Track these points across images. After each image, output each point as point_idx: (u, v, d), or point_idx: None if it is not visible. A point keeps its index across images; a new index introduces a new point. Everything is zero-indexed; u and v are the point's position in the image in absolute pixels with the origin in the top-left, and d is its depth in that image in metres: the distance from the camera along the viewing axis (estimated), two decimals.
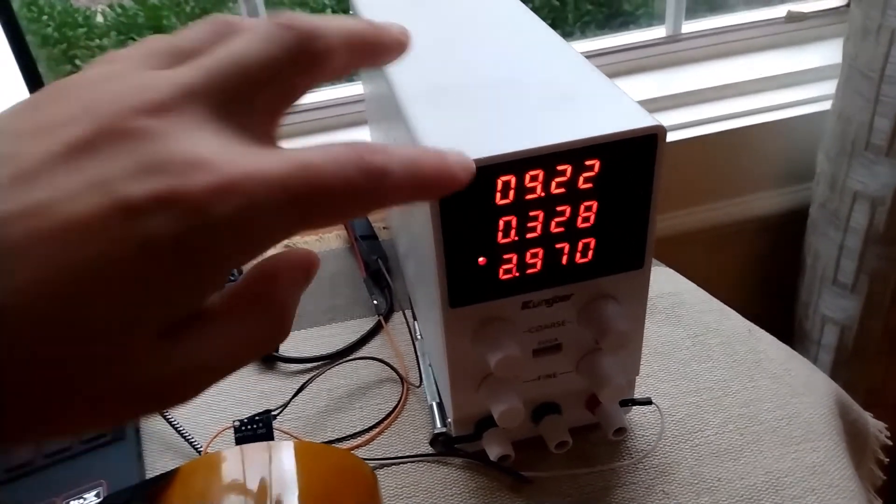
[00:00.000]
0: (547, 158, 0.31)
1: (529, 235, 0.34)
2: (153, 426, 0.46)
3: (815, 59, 0.95)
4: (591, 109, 0.33)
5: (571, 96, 0.35)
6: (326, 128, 0.89)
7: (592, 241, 0.35)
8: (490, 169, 0.31)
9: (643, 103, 0.87)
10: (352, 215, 0.20)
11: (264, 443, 0.34)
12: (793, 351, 0.49)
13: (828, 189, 0.82)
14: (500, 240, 0.33)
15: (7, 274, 0.15)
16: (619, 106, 0.33)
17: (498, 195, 0.32)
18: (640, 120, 0.32)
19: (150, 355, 0.17)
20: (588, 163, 0.32)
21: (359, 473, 0.34)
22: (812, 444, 0.42)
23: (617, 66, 0.96)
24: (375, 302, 0.54)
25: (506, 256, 0.34)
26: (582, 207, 0.33)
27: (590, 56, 0.96)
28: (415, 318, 0.51)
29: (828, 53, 0.95)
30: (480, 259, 0.34)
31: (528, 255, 0.34)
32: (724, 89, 0.92)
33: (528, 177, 0.32)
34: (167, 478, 0.31)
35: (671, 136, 0.87)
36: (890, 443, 0.51)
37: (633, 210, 0.34)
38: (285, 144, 0.19)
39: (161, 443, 0.45)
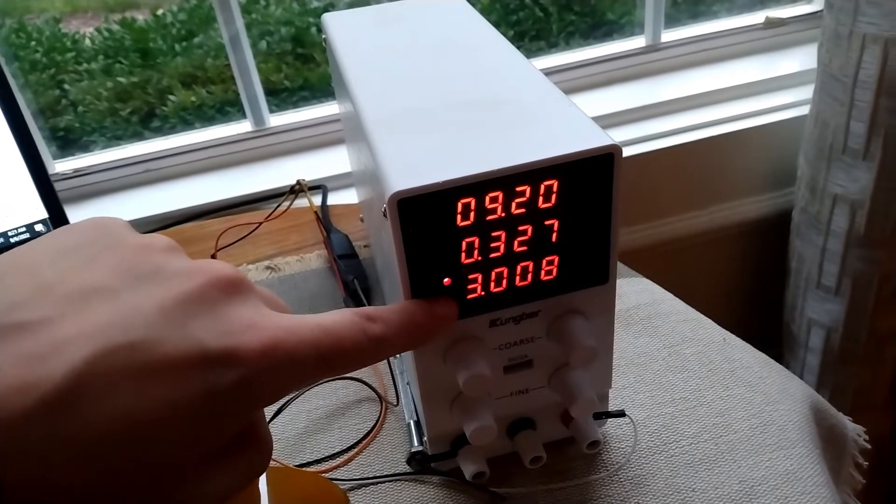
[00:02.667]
0: (505, 180, 0.32)
1: (493, 255, 0.34)
2: None
3: (793, 65, 0.96)
4: (549, 129, 0.34)
5: (529, 116, 0.35)
6: (311, 146, 0.90)
7: (556, 259, 0.35)
8: (450, 192, 0.31)
9: (624, 113, 0.88)
10: (362, 366, 0.26)
11: None
12: (768, 358, 0.50)
13: (808, 193, 0.83)
14: (464, 260, 0.34)
15: (109, 398, 0.18)
16: (576, 125, 0.34)
17: (459, 217, 0.32)
18: (597, 139, 0.32)
19: (194, 475, 0.21)
20: (546, 183, 0.32)
21: (330, 496, 0.34)
22: (785, 451, 0.42)
23: (598, 76, 0.96)
24: None
25: (470, 276, 0.34)
26: (543, 226, 0.34)
27: (571, 68, 0.97)
28: None
29: (806, 58, 0.96)
30: (445, 280, 0.34)
31: (493, 274, 0.35)
32: (704, 97, 0.93)
33: (487, 198, 0.32)
34: None
35: (652, 146, 0.88)
36: (868, 446, 0.51)
37: (595, 227, 0.35)
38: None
39: None
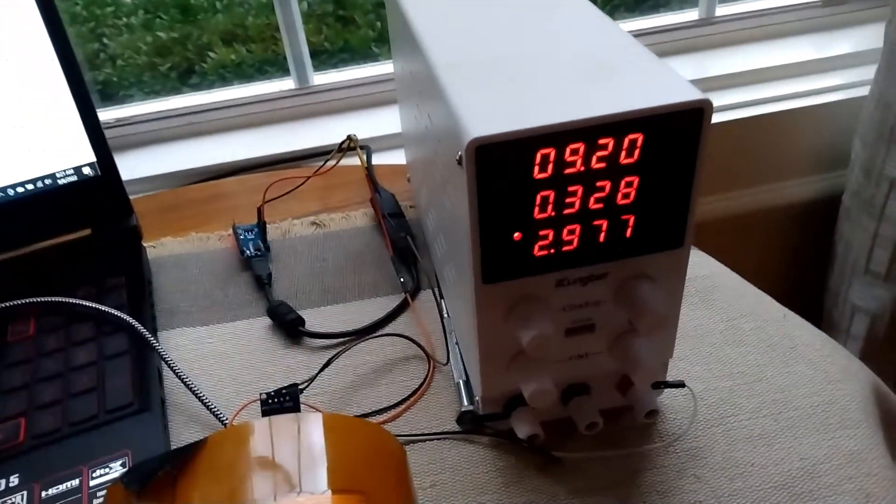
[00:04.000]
0: (589, 131, 0.30)
1: (567, 211, 0.33)
2: (178, 398, 0.46)
3: (852, 44, 0.93)
4: (636, 82, 0.32)
5: (615, 69, 0.34)
6: (354, 107, 0.89)
7: (632, 219, 0.34)
8: (529, 141, 0.30)
9: None
10: None
11: (293, 414, 0.33)
12: (828, 337, 0.48)
13: (862, 176, 0.81)
14: (537, 215, 0.33)
15: None
16: (665, 79, 0.32)
17: (536, 168, 0.31)
18: (687, 93, 0.31)
19: None
20: (631, 137, 0.31)
21: (388, 447, 0.33)
22: (849, 431, 0.41)
23: (650, 48, 0.94)
24: (402, 279, 0.53)
25: (542, 233, 0.33)
26: (623, 183, 0.32)
27: None
28: (442, 297, 0.51)
29: (866, 38, 0.93)
30: (515, 234, 0.33)
31: (565, 231, 0.33)
32: (757, 73, 0.90)
33: (568, 150, 0.31)
34: (195, 448, 0.31)
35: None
36: None
37: (675, 187, 0.33)
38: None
39: (186, 415, 0.45)
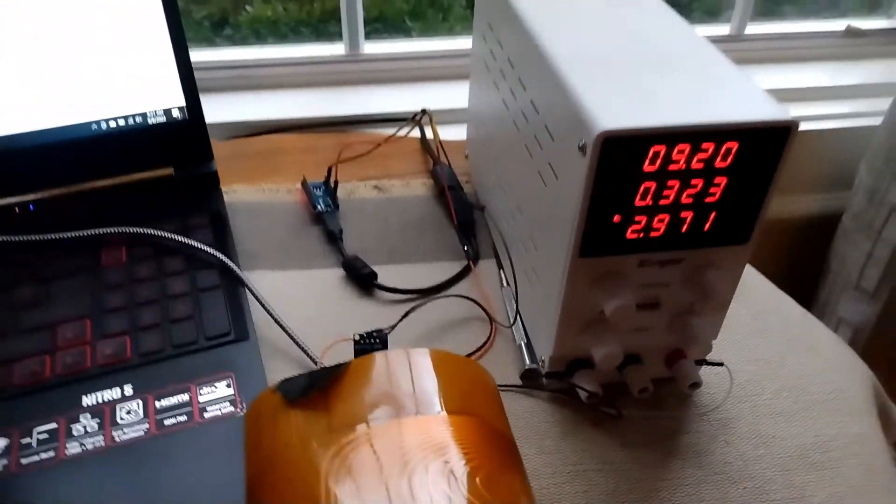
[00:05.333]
0: (695, 135, 0.36)
1: (662, 202, 0.38)
2: (268, 334, 0.51)
3: (867, 76, 1.00)
4: (734, 96, 0.38)
5: (710, 81, 0.39)
6: (404, 79, 0.93)
7: (713, 214, 0.39)
8: (647, 138, 0.36)
9: None
10: None
11: (403, 350, 0.38)
12: (839, 338, 0.55)
13: (865, 201, 0.88)
14: (637, 202, 0.38)
15: None
16: (757, 95, 0.38)
17: (647, 162, 0.37)
18: (779, 112, 0.37)
19: None
20: (728, 144, 0.37)
21: (486, 380, 0.39)
22: (856, 417, 0.48)
23: None
24: (466, 248, 0.59)
25: (637, 218, 0.39)
26: (713, 183, 0.38)
27: None
28: (500, 267, 0.56)
29: (879, 72, 1.00)
30: (616, 217, 0.39)
31: (656, 219, 0.39)
32: (777, 93, 0.97)
33: (676, 149, 0.36)
34: (339, 370, 0.36)
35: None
36: None
37: (754, 190, 0.39)
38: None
39: (276, 349, 0.50)
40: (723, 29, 1.02)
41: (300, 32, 1.08)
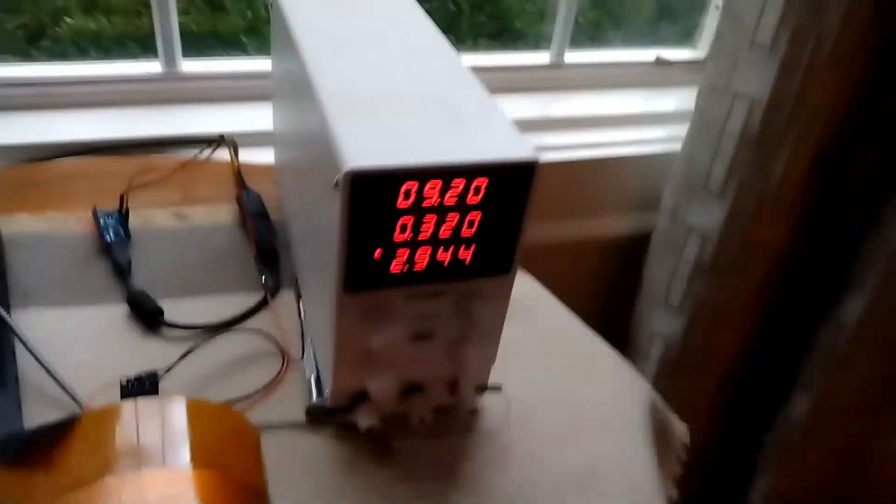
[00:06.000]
0: (446, 172, 0.37)
1: (421, 237, 0.39)
2: (31, 376, 0.48)
3: (674, 103, 1.07)
4: (486, 133, 0.39)
5: (470, 117, 0.41)
6: (223, 98, 0.90)
7: (472, 248, 0.40)
8: (397, 175, 0.36)
9: (522, 123, 0.94)
10: None
11: (156, 397, 0.37)
12: (620, 356, 0.58)
13: (668, 221, 0.94)
14: (397, 237, 0.38)
15: None
16: (510, 133, 0.40)
17: (401, 198, 0.37)
18: (526, 150, 0.38)
19: None
20: (478, 181, 0.38)
21: (246, 432, 0.38)
22: (627, 436, 0.51)
23: (501, 83, 1.03)
24: (264, 278, 0.57)
25: (399, 252, 0.39)
26: (468, 218, 0.39)
27: (477, 70, 1.03)
28: (300, 297, 0.56)
29: (686, 99, 1.07)
30: (377, 253, 0.39)
31: (418, 253, 0.40)
32: (593, 120, 1.02)
33: (428, 186, 0.37)
34: (68, 423, 0.33)
35: (542, 157, 0.96)
36: (688, 442, 0.60)
37: (509, 223, 0.40)
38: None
39: (42, 396, 0.47)
40: (543, 57, 1.06)
41: (126, 46, 1.03)
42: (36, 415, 0.46)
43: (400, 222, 0.38)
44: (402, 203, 0.37)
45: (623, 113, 1.04)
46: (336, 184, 0.36)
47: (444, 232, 0.39)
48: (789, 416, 0.97)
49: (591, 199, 1.03)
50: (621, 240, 1.07)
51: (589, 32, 1.16)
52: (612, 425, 0.51)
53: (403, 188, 0.37)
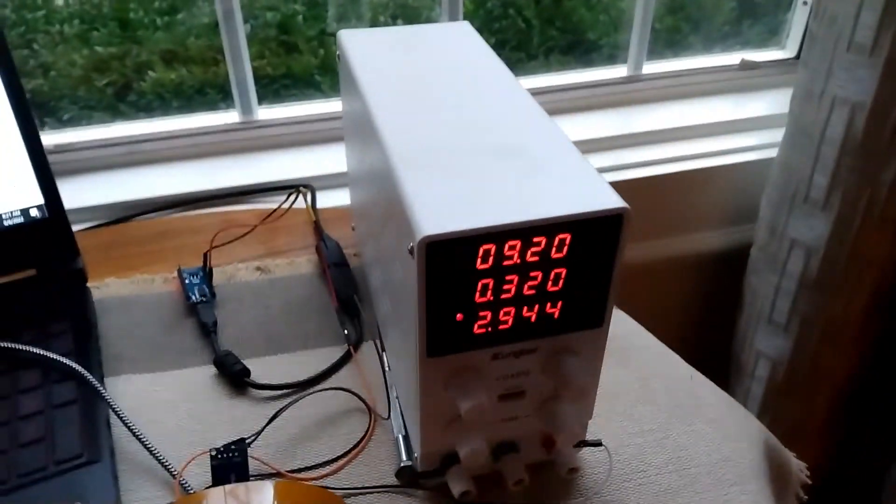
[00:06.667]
0: (524, 231, 0.35)
1: (504, 296, 0.37)
2: (127, 447, 0.48)
3: (764, 107, 1.01)
4: (565, 184, 0.37)
5: (548, 169, 0.38)
6: (300, 142, 0.91)
7: (560, 303, 0.38)
8: (474, 238, 0.34)
9: (601, 141, 0.91)
10: None
11: (244, 484, 0.36)
12: (729, 397, 0.54)
13: (768, 234, 0.88)
14: (478, 299, 0.36)
15: None
16: (591, 183, 0.37)
17: (479, 260, 0.35)
18: (610, 200, 0.35)
19: None
20: (561, 236, 0.35)
21: None
22: (741, 486, 0.47)
23: (579, 101, 1.00)
24: (346, 332, 0.56)
25: (481, 314, 0.37)
26: (552, 274, 0.37)
27: (553, 91, 1.01)
28: (384, 350, 0.54)
29: (775, 102, 1.01)
30: (458, 315, 0.37)
31: (502, 312, 0.37)
32: (678, 131, 0.97)
33: (507, 246, 0.35)
34: None
35: (625, 175, 0.92)
36: (809, 481, 0.55)
37: (598, 277, 0.38)
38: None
39: (135, 465, 0.47)
40: (620, 70, 1.02)
41: (206, 94, 1.06)
42: (132, 486, 0.46)
43: (480, 284, 0.36)
44: (481, 265, 0.35)
45: (710, 121, 0.99)
46: (410, 250, 0.34)
47: (528, 290, 0.37)
48: None
49: (683, 215, 0.99)
50: (718, 255, 1.02)
51: (667, 39, 1.11)
52: (726, 474, 0.47)
53: (481, 250, 0.35)
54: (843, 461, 0.97)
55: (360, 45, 0.54)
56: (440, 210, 0.35)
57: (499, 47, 1.15)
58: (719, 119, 0.99)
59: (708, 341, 1.08)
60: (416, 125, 0.42)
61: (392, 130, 0.41)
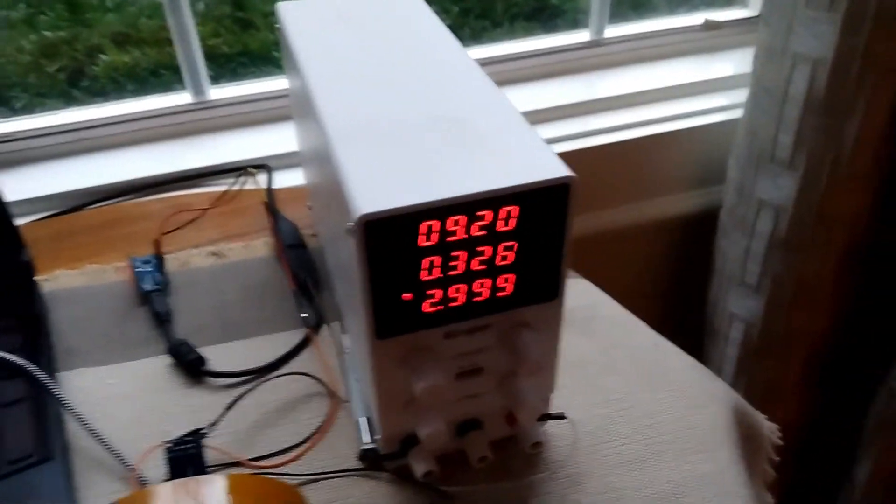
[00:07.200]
0: (468, 206, 0.33)
1: (452, 273, 0.35)
2: (83, 442, 0.46)
3: (728, 67, 1.00)
4: (509, 155, 0.35)
5: (489, 139, 0.37)
6: (254, 121, 0.89)
7: (511, 277, 0.37)
8: (414, 215, 0.33)
9: (563, 108, 0.89)
10: None
11: (195, 478, 0.35)
12: (695, 362, 0.53)
13: (736, 196, 0.88)
14: (424, 277, 0.35)
15: None
16: (535, 152, 0.36)
17: (422, 238, 0.34)
18: (555, 169, 0.34)
19: None
20: (507, 208, 0.34)
21: (287, 499, 0.35)
22: (709, 454, 0.46)
23: (541, 68, 0.98)
24: (304, 315, 0.55)
25: (429, 292, 0.36)
26: (501, 248, 0.35)
27: (515, 59, 0.99)
28: (343, 332, 0.53)
29: (740, 62, 1.00)
30: (405, 295, 0.36)
31: (452, 290, 0.36)
32: (642, 95, 0.96)
33: (450, 221, 0.33)
34: None
35: (589, 142, 0.91)
36: (781, 443, 0.55)
37: (549, 248, 0.36)
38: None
39: (91, 461, 0.46)
40: (583, 35, 1.00)
41: (160, 75, 1.03)
42: (89, 482, 0.45)
43: (425, 262, 0.34)
44: (424, 242, 0.34)
45: (675, 84, 0.98)
46: (349, 230, 0.33)
47: (478, 265, 0.36)
48: (893, 392, 0.89)
49: (650, 179, 0.98)
50: (687, 218, 1.01)
51: (632, 1, 1.10)
52: (693, 441, 0.46)
53: (424, 227, 0.33)
54: (819, 421, 0.98)
55: (299, 16, 0.52)
56: (379, 187, 0.33)
57: (463, 15, 1.12)
58: (684, 81, 0.98)
59: (681, 306, 1.08)
60: (356, 99, 0.41)
61: (330, 105, 0.40)
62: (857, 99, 0.71)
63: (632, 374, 0.51)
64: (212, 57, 0.91)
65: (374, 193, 0.33)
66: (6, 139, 0.82)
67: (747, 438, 0.52)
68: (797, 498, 1.02)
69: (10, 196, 0.57)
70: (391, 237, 0.33)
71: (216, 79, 0.90)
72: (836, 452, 0.99)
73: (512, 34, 1.09)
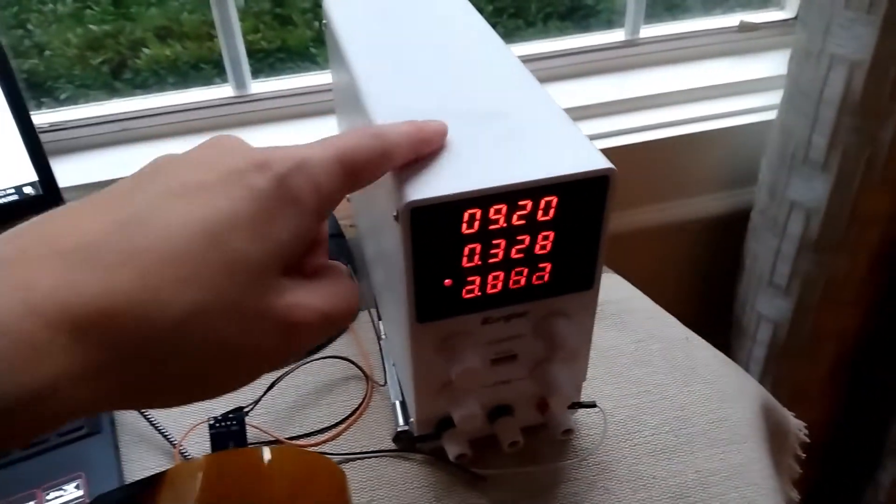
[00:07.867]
0: (509, 195, 0.34)
1: (492, 261, 0.37)
2: (127, 419, 0.49)
3: (763, 69, 1.00)
4: (550, 147, 0.37)
5: (531, 131, 0.38)
6: (294, 115, 0.91)
7: (549, 266, 0.38)
8: (458, 203, 0.34)
9: (598, 106, 0.90)
10: (379, 175, 0.31)
11: (239, 449, 0.36)
12: (726, 357, 0.54)
13: (767, 197, 0.88)
14: (465, 264, 0.36)
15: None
16: (576, 144, 0.37)
17: (464, 225, 0.35)
18: (595, 161, 0.35)
19: (278, 286, 0.25)
20: (546, 199, 0.35)
21: (332, 476, 0.37)
22: (737, 446, 0.47)
23: (574, 67, 0.99)
24: None
25: (469, 279, 0.37)
26: (540, 237, 0.36)
27: (548, 57, 0.99)
28: (380, 318, 0.54)
29: (775, 64, 1.00)
30: (446, 281, 0.37)
31: (490, 277, 0.37)
32: (676, 95, 0.96)
33: (492, 210, 0.35)
34: (155, 481, 0.33)
35: (623, 140, 0.92)
36: (807, 440, 0.56)
37: (586, 238, 0.38)
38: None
39: (136, 436, 0.48)
40: (618, 35, 1.01)
41: (201, 69, 1.05)
42: (134, 456, 0.47)
43: (467, 249, 0.36)
44: (466, 230, 0.35)
45: (709, 84, 0.98)
46: (395, 216, 0.34)
47: (517, 254, 0.37)
48: None
49: (682, 179, 0.98)
50: (718, 219, 1.01)
51: (666, 1, 1.10)
52: (722, 433, 0.47)
53: (466, 215, 0.34)
54: (846, 421, 0.98)
55: (345, 11, 0.53)
56: (425, 176, 0.35)
57: (497, 15, 1.13)
58: (718, 82, 0.98)
59: (709, 305, 1.08)
60: (402, 91, 0.42)
61: (377, 97, 0.41)
62: (893, 101, 0.71)
63: (663, 366, 0.52)
64: (251, 52, 0.93)
65: (420, 182, 0.34)
66: (57, 128, 0.84)
67: (774, 434, 0.52)
68: (822, 498, 1.01)
69: (60, 183, 0.59)
70: (436, 224, 0.34)
71: (255, 73, 0.93)
72: (862, 454, 0.99)
73: (545, 34, 1.10)
